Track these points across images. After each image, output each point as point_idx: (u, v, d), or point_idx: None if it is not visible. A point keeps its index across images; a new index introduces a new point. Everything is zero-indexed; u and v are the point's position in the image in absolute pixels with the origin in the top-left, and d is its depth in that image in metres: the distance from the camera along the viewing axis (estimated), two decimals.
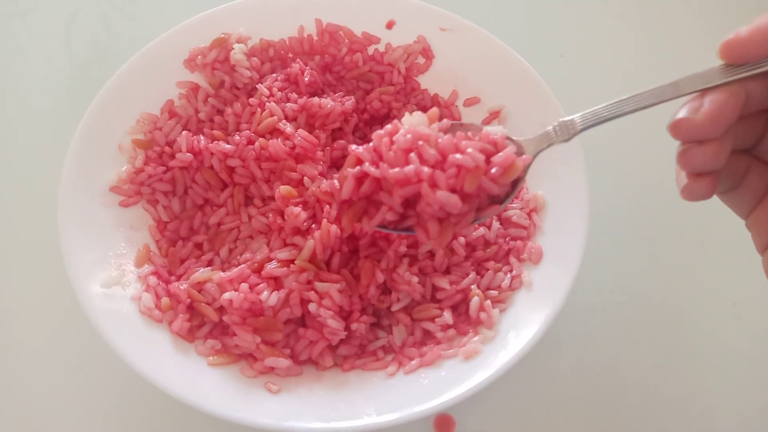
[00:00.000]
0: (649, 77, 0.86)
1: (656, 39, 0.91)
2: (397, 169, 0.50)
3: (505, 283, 0.62)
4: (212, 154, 0.66)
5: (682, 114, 0.44)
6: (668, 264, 0.74)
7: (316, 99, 0.68)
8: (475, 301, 0.60)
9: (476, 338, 0.58)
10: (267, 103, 0.67)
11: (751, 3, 0.92)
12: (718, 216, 0.77)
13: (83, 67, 0.87)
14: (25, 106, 0.84)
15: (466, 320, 0.60)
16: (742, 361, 0.69)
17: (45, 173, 0.76)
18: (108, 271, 0.59)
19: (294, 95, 0.69)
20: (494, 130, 0.54)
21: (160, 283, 0.60)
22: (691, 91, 0.46)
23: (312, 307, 0.58)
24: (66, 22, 0.91)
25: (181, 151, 0.66)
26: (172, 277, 0.62)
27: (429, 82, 0.75)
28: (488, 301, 0.60)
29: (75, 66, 0.87)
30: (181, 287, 0.59)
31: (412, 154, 0.50)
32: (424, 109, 0.74)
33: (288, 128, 0.66)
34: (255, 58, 0.72)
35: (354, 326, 0.59)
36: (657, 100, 0.48)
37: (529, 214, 0.65)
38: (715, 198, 0.78)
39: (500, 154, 0.51)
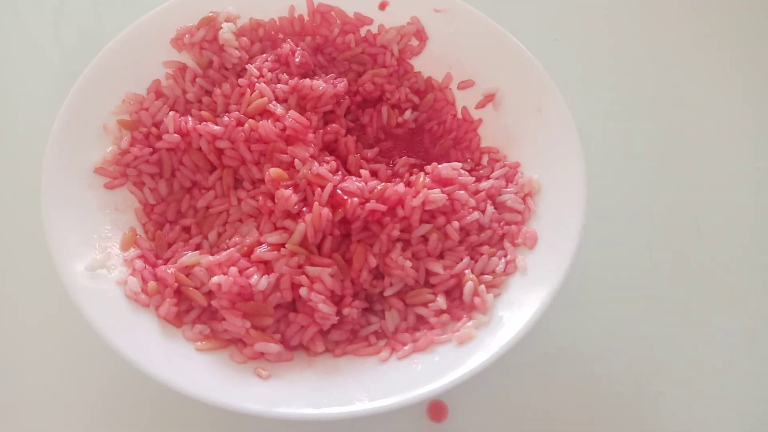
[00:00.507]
0: (642, 61, 0.87)
1: (651, 24, 0.90)
2: None
3: (500, 268, 0.61)
4: (200, 135, 0.64)
5: None
6: (664, 251, 0.74)
7: (307, 80, 0.66)
8: (469, 286, 0.59)
9: (470, 323, 0.57)
10: (257, 84, 0.66)
11: None
12: (714, 203, 0.77)
13: (72, 54, 0.85)
14: (12, 93, 0.81)
15: (459, 305, 0.59)
16: (738, 347, 0.69)
17: (31, 158, 0.74)
18: (93, 254, 0.58)
19: (285, 76, 0.68)
20: None
21: (147, 266, 0.59)
22: None
23: (303, 291, 0.57)
24: (55, 9, 0.89)
25: (168, 132, 0.64)
26: (159, 261, 0.61)
27: (423, 64, 0.74)
28: (482, 286, 0.59)
29: (63, 53, 0.85)
30: (169, 271, 0.58)
31: None
32: (418, 93, 0.73)
33: (278, 109, 0.64)
34: (244, 38, 0.71)
35: (346, 311, 0.58)
36: None
37: (524, 199, 0.64)
38: (710, 186, 0.78)
39: None
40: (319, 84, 0.66)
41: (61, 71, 0.83)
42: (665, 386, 0.67)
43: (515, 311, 0.57)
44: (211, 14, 0.69)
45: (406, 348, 0.57)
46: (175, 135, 0.64)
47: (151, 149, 0.65)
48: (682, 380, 0.67)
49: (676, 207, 0.76)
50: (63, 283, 0.54)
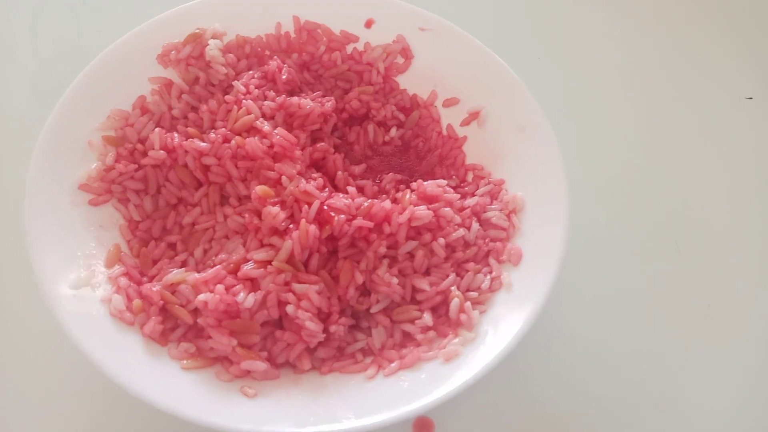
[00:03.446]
0: (626, 81, 0.89)
1: (632, 44, 0.92)
2: None
3: (485, 284, 0.61)
4: (186, 151, 0.64)
5: None
6: (643, 265, 0.75)
7: (295, 99, 0.67)
8: (455, 303, 0.59)
9: (456, 340, 0.58)
10: (244, 101, 0.66)
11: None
12: (692, 217, 0.79)
13: (49, 61, 0.84)
14: None
15: (446, 322, 0.60)
16: (714, 361, 0.70)
17: (9, 170, 0.74)
18: (77, 271, 0.57)
19: (271, 93, 0.68)
20: None
21: (132, 284, 0.58)
22: None
23: (290, 308, 0.57)
24: (32, 16, 0.88)
25: (153, 149, 0.64)
26: (144, 279, 0.60)
27: (408, 82, 0.75)
28: (468, 303, 0.60)
29: (41, 61, 0.85)
30: (154, 289, 0.57)
31: None
32: (403, 110, 0.74)
33: (265, 126, 0.64)
34: (231, 54, 0.71)
35: (333, 328, 0.58)
36: None
37: (508, 216, 0.65)
38: (689, 199, 0.79)
39: None
40: (306, 103, 0.67)
41: (38, 81, 0.82)
42: (648, 400, 0.68)
43: (500, 327, 0.57)
44: (197, 31, 0.70)
45: (392, 365, 0.57)
46: (161, 151, 0.64)
47: (136, 165, 0.64)
48: (662, 393, 0.68)
49: (655, 223, 0.78)
50: (46, 301, 0.54)
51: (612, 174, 0.81)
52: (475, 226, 0.64)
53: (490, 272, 0.62)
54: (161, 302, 0.57)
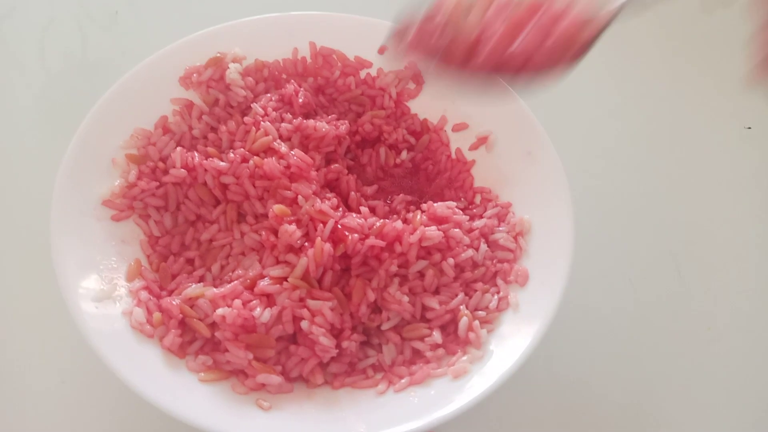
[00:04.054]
0: (633, 105, 0.91)
1: (637, 71, 0.95)
2: None
3: (493, 304, 0.63)
4: (206, 170, 0.66)
5: None
6: (646, 289, 0.77)
7: (311, 121, 0.69)
8: (463, 321, 0.61)
9: (465, 357, 0.60)
10: (262, 123, 0.68)
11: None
12: (694, 242, 0.81)
13: (57, 78, 0.86)
14: None
15: (454, 340, 0.62)
16: (716, 386, 0.72)
17: (10, 183, 0.76)
18: (99, 284, 0.59)
19: (288, 115, 0.70)
20: None
21: (152, 298, 0.60)
22: None
23: (304, 324, 0.59)
24: (41, 31, 0.90)
25: (175, 167, 0.66)
26: (164, 293, 0.62)
27: (419, 107, 0.77)
28: (476, 322, 0.61)
29: (49, 77, 0.87)
30: (174, 302, 0.59)
31: None
32: (414, 134, 0.77)
33: (282, 147, 0.67)
34: (250, 77, 0.73)
35: (345, 344, 0.60)
36: None
37: (515, 238, 0.67)
38: (692, 224, 0.82)
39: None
40: (322, 125, 0.69)
41: (46, 95, 0.85)
42: (650, 424, 0.69)
43: (507, 346, 0.59)
44: (218, 55, 0.72)
45: (403, 381, 0.59)
46: (182, 170, 0.66)
47: (157, 183, 0.67)
48: (663, 417, 0.70)
49: (657, 246, 0.80)
50: (70, 313, 0.56)
51: (616, 199, 0.83)
52: (483, 247, 0.66)
53: (498, 292, 0.64)
54: (180, 316, 0.59)
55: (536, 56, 0.55)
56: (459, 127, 0.76)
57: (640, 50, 0.97)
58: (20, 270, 0.71)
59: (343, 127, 0.71)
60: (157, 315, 0.59)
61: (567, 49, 0.54)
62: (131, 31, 0.92)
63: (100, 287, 0.59)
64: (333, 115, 0.73)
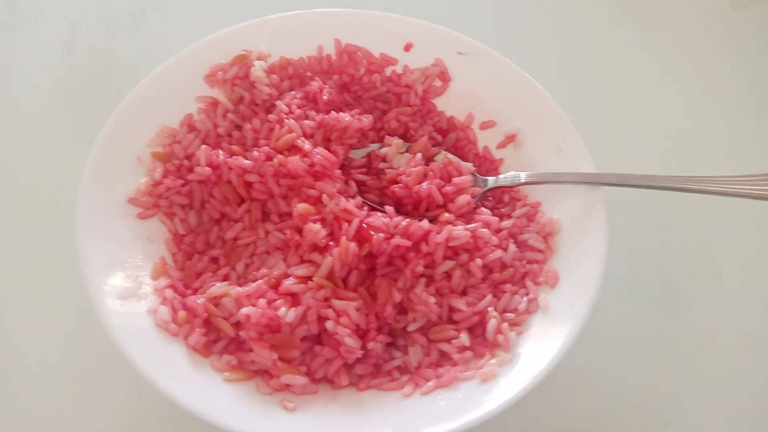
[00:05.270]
0: (658, 104, 0.89)
1: (667, 69, 0.93)
2: None
3: (522, 306, 0.62)
4: (231, 168, 0.66)
5: None
6: (680, 292, 0.75)
7: (333, 113, 0.68)
8: (492, 324, 0.60)
9: (493, 361, 0.58)
10: (286, 120, 0.68)
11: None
12: (731, 246, 0.78)
13: (84, 78, 0.87)
14: (22, 117, 0.83)
15: (482, 342, 0.60)
16: (755, 393, 0.69)
17: (38, 182, 0.76)
18: (125, 282, 0.59)
19: (312, 113, 0.70)
20: (465, 165, 0.70)
21: (177, 296, 0.60)
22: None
23: (329, 324, 0.58)
24: (68, 33, 0.91)
25: (199, 165, 0.66)
26: (188, 291, 0.62)
27: (445, 104, 0.76)
28: (505, 324, 0.60)
29: (76, 77, 0.87)
30: (198, 301, 0.59)
31: None
32: (441, 131, 0.75)
33: (306, 145, 0.66)
34: (274, 75, 0.73)
35: (370, 345, 0.59)
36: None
37: (545, 238, 0.65)
38: (727, 230, 0.79)
39: (457, 178, 0.67)
40: (344, 116, 0.68)
41: (73, 95, 0.85)
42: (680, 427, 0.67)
43: (537, 350, 0.58)
44: (243, 52, 0.72)
45: (429, 384, 0.58)
46: (207, 168, 0.66)
47: (182, 181, 0.66)
48: (701, 428, 0.67)
49: (692, 248, 0.77)
50: (96, 311, 0.55)
51: (650, 197, 0.81)
52: (512, 247, 0.65)
53: (527, 294, 0.62)
54: (205, 314, 0.59)
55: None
56: (486, 125, 0.74)
57: (672, 48, 0.95)
58: (46, 267, 0.71)
59: (367, 120, 0.70)
60: (182, 313, 0.58)
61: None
62: (157, 30, 0.92)
63: (125, 285, 0.59)
64: (357, 110, 0.72)
